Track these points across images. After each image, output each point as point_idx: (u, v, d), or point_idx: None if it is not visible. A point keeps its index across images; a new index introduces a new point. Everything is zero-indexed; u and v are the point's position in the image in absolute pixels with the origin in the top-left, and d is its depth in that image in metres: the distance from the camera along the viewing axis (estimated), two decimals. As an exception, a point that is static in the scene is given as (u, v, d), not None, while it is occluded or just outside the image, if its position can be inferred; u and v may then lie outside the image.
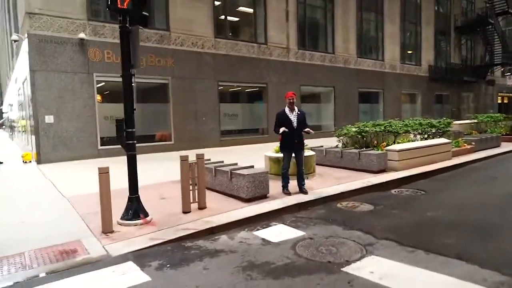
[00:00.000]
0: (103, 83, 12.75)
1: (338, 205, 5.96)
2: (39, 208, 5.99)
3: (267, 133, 16.96)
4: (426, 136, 11.18)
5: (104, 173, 4.64)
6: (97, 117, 12.23)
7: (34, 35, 10.98)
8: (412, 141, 10.50)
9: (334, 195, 6.33)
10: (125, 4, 4.62)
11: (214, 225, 4.79)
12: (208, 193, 6.40)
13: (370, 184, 7.11)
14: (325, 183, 7.24)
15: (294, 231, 4.68)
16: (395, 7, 23.45)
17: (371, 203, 5.98)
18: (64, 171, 9.83)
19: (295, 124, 6.24)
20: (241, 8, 16.88)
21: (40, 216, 5.50)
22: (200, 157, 5.56)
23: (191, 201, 5.48)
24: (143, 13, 5.13)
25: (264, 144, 14.72)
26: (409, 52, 25.45)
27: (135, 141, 5.10)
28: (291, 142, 6.25)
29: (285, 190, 6.33)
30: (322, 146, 9.99)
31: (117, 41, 12.53)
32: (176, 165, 5.69)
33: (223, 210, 5.45)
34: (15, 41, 11.75)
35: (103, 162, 11.54)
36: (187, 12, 14.14)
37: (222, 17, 15.71)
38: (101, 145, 12.41)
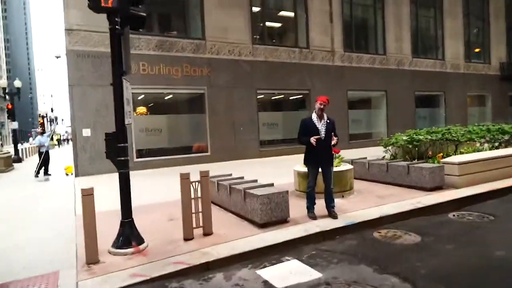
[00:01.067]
0: (142, 96, 12.74)
1: (375, 234, 4.79)
2: (44, 228, 5.66)
3: (311, 143, 15.82)
4: (496, 144, 9.34)
5: (87, 195, 4.06)
6: (133, 130, 12.15)
7: (72, 50, 11.24)
8: (478, 151, 8.76)
9: (371, 220, 5.15)
10: (109, 2, 4.06)
11: (211, 259, 3.95)
12: (223, 215, 5.68)
13: (420, 206, 5.78)
14: (363, 203, 6.06)
15: (309, 271, 3.67)
16: (456, 1, 21.04)
17: (419, 233, 4.72)
18: (95, 185, 9.70)
19: (323, 134, 5.23)
20: (281, 13, 16.12)
21: (40, 237, 5.13)
22: (204, 174, 4.80)
23: (195, 226, 4.73)
24: (140, 13, 4.58)
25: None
26: (476, 49, 22.64)
27: (127, 158, 4.48)
28: (318, 155, 5.23)
29: (310, 213, 5.30)
30: (365, 158, 8.72)
31: (153, 52, 12.49)
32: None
33: (231, 237, 4.60)
34: (57, 57, 12.15)
35: (138, 174, 11.43)
36: (223, 20, 13.71)
37: (260, 22, 15.07)
38: (136, 158, 12.30)
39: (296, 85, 15.52)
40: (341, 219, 5.13)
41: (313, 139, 5.06)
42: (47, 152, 12.59)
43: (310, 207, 5.35)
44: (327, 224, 4.95)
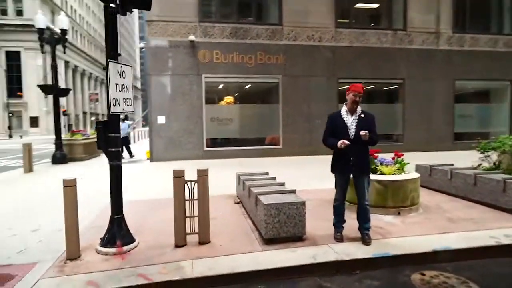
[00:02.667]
0: (215, 85, 12.70)
1: (415, 276, 3.42)
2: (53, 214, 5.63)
3: (402, 141, 13.68)
4: None
5: (69, 187, 3.81)
6: (204, 118, 12.21)
7: (151, 41, 11.75)
8: None
9: (418, 254, 3.75)
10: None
11: (176, 277, 3.29)
12: (240, 221, 5.07)
13: (506, 242, 4.02)
14: (421, 226, 4.56)
15: (284, 319, 2.70)
16: None
17: (485, 285, 3.19)
18: (161, 170, 9.97)
19: (352, 132, 3.98)
20: (373, -10, 14.13)
21: (56, 223, 5.07)
22: (202, 173, 4.13)
23: (189, 232, 4.13)
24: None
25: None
26: None
27: (119, 149, 4.10)
28: (346, 160, 4.01)
29: (336, 233, 4.15)
30: (452, 165, 6.82)
31: (226, 40, 12.26)
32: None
33: (225, 251, 3.86)
34: (141, 48, 12.94)
35: (206, 163, 11.43)
36: (303, 3, 12.62)
37: (346, 3, 13.41)
38: (206, 147, 12.35)
39: (387, 74, 13.47)
40: (374, 247, 3.86)
41: (341, 143, 3.86)
42: (125, 137, 13.68)
43: (338, 225, 4.19)
44: (350, 251, 3.76)
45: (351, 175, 4.11)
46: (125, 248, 3.96)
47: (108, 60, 3.83)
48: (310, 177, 8.34)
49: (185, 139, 12.13)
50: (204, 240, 4.11)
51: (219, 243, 4.11)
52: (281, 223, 4.00)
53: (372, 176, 5.16)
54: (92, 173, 9.98)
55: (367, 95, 14.49)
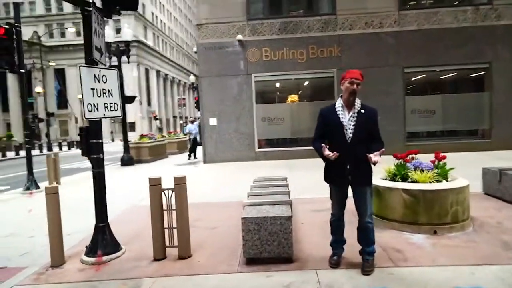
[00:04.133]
0: (263, 83, 12.30)
1: (415, 325, 2.54)
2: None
3: (489, 137, 11.48)
4: None
5: (51, 194, 3.82)
6: (255, 119, 11.90)
7: (201, 44, 11.88)
8: None
9: (430, 293, 2.81)
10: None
11: (127, 298, 2.99)
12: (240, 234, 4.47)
13: None
14: (458, 251, 3.48)
15: None
16: None
17: None
18: (211, 172, 10.03)
19: (349, 133, 3.19)
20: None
21: (72, 227, 5.23)
22: (180, 181, 3.77)
23: (168, 244, 3.82)
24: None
25: (485, 153, 10.36)
26: None
27: (101, 155, 3.98)
28: (341, 169, 3.22)
29: (332, 257, 3.38)
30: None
31: (276, 36, 11.81)
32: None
33: (201, 270, 3.45)
34: (195, 52, 13.26)
35: (257, 164, 11.14)
36: (360, -13, 11.43)
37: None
38: (258, 148, 12.02)
39: (468, 58, 11.37)
40: (373, 278, 3.02)
41: (327, 154, 3.08)
42: (195, 139, 14.12)
43: (335, 246, 3.42)
44: (337, 283, 2.99)
45: (349, 186, 3.32)
46: (105, 258, 3.83)
47: (80, 65, 3.73)
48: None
49: (237, 140, 11.99)
50: (183, 254, 3.75)
51: (199, 259, 3.71)
52: (262, 241, 3.42)
53: (400, 185, 4.22)
54: (146, 175, 10.46)
55: (444, 85, 12.54)
